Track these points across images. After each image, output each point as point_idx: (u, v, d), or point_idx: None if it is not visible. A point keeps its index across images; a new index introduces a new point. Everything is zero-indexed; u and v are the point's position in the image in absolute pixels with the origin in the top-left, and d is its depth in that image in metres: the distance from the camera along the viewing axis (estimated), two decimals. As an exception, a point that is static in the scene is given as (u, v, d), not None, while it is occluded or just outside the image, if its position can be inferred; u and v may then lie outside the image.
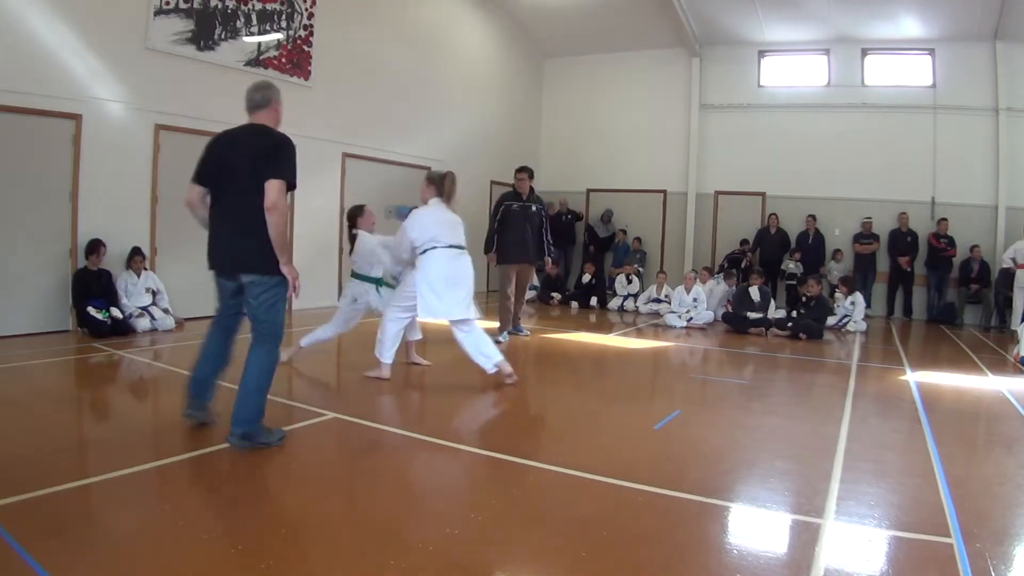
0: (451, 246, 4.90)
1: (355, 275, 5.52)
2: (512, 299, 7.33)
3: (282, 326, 3.50)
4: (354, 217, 5.50)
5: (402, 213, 5.18)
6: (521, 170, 7.42)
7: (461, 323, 4.97)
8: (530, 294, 10.80)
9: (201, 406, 3.61)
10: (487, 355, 4.98)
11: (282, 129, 3.45)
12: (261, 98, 3.45)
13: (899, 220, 11.11)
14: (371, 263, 5.40)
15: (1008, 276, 9.86)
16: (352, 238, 5.47)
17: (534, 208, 7.34)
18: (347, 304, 5.53)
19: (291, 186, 3.27)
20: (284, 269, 3.32)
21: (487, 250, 7.38)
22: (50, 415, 4.03)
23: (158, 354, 6.06)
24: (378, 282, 5.45)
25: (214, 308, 3.64)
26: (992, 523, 2.78)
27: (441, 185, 5.01)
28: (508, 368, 5.01)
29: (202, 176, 3.40)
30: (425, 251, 4.87)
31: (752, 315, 8.76)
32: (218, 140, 3.45)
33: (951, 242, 10.80)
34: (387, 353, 5.07)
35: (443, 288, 4.84)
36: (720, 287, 10.20)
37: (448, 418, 4.39)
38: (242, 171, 3.25)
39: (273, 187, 3.17)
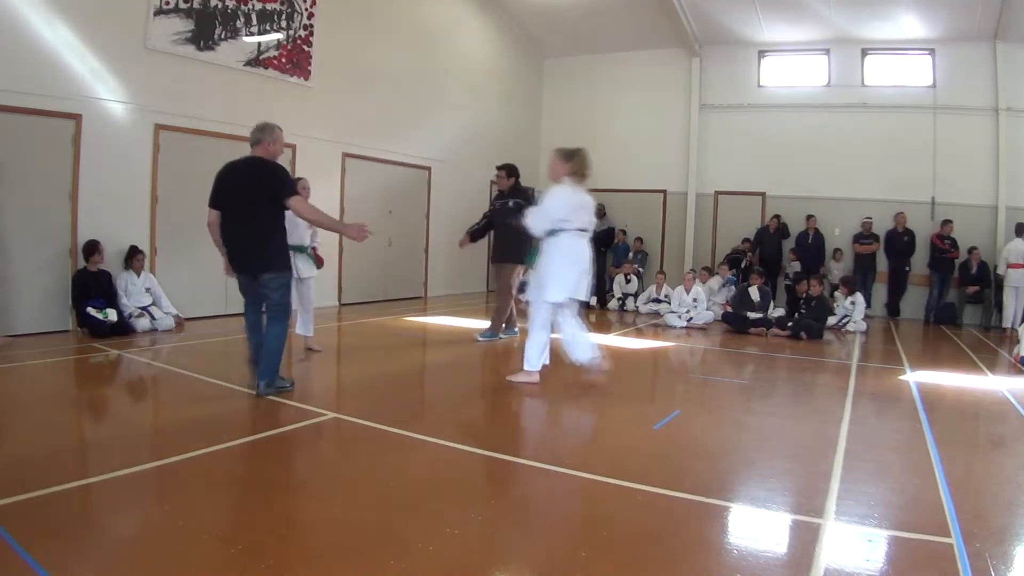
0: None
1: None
2: (501, 299, 7.19)
3: (289, 306, 4.48)
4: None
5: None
6: (499, 168, 7.20)
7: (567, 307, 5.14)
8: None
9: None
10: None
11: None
12: (254, 139, 4.37)
13: (896, 220, 11.10)
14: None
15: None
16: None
17: (511, 203, 6.86)
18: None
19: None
20: (349, 230, 4.40)
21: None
22: (50, 415, 4.04)
23: (158, 354, 6.06)
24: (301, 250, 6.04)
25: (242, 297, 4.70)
26: (992, 523, 2.78)
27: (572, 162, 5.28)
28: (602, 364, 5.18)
29: (216, 201, 4.32)
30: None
31: (752, 315, 8.76)
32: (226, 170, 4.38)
33: (954, 244, 10.78)
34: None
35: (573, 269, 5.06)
36: (715, 279, 10.24)
37: (448, 418, 4.38)
38: (251, 194, 4.22)
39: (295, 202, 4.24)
